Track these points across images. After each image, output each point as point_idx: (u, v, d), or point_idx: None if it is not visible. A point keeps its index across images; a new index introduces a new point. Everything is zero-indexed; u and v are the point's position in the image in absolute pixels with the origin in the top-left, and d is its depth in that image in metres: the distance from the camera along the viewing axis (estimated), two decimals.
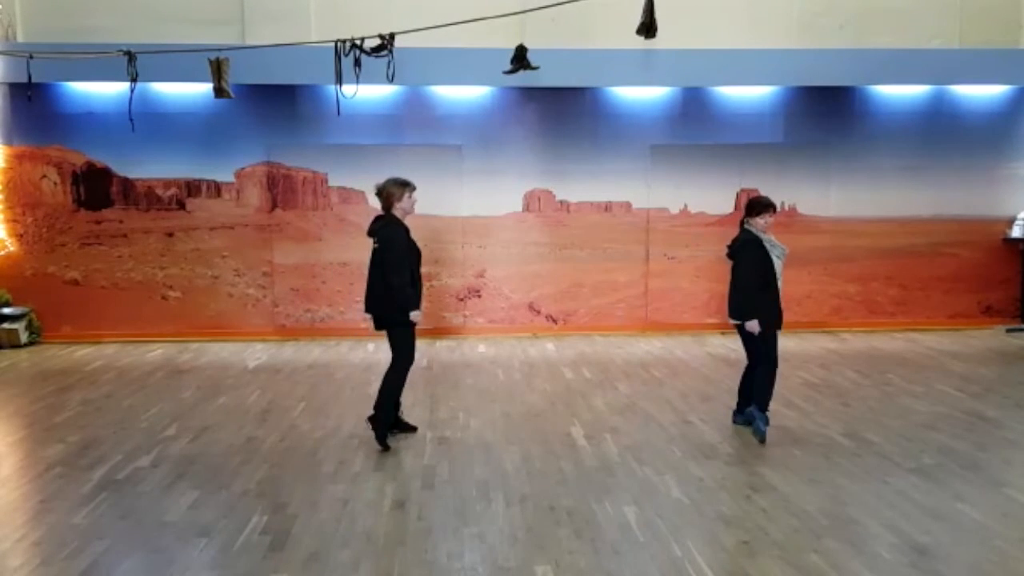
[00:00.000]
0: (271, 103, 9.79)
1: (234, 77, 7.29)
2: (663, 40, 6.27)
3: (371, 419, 5.88)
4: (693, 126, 10.17)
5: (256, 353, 9.26)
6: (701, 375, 8.09)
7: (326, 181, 9.93)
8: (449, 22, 6.91)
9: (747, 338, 5.98)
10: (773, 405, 6.82)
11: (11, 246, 9.84)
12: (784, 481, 5.13)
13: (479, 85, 9.86)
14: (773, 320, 5.88)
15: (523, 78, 7.49)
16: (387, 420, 5.89)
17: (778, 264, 5.84)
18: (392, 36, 6.67)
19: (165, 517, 4.65)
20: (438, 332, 10.14)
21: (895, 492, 4.94)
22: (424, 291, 6.04)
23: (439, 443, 5.95)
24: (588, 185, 10.18)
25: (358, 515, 4.63)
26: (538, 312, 10.32)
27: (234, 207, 9.97)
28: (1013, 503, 4.81)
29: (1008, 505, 4.78)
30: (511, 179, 10.11)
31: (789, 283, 10.14)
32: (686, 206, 10.29)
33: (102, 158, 9.81)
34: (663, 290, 10.36)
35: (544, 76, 7.76)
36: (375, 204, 6.01)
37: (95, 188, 9.84)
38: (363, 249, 6.17)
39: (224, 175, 9.92)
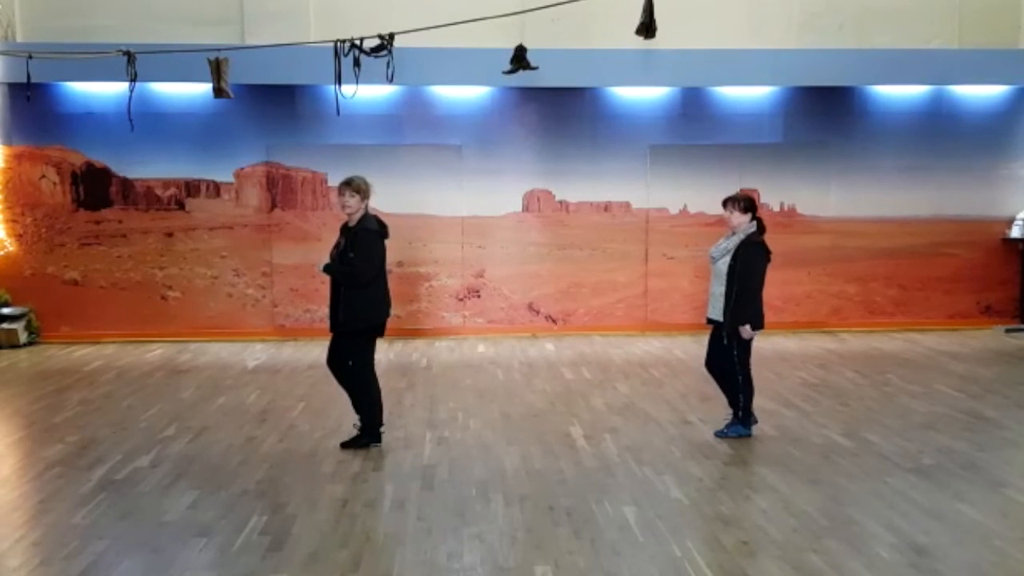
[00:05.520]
0: (270, 103, 9.78)
1: (233, 77, 7.28)
2: (663, 40, 6.27)
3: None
4: (692, 126, 10.17)
5: (255, 353, 9.25)
6: (700, 375, 8.04)
7: (325, 181, 9.92)
8: (449, 22, 6.91)
9: (732, 343, 5.89)
10: (772, 405, 6.86)
11: (10, 246, 9.83)
12: (783, 481, 5.13)
13: (479, 85, 9.86)
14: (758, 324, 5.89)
15: (523, 78, 7.48)
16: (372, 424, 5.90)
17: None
18: (391, 36, 6.66)
19: (164, 517, 4.64)
20: (437, 332, 10.14)
21: (895, 492, 4.94)
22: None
23: (439, 443, 5.95)
24: (587, 185, 10.18)
25: (358, 515, 4.63)
26: (537, 312, 10.32)
27: (233, 207, 9.96)
28: (1013, 503, 4.81)
29: (1008, 505, 4.78)
30: (510, 179, 10.11)
31: (788, 283, 10.27)
32: (685, 206, 10.29)
33: (101, 158, 9.80)
34: (662, 290, 10.36)
35: (544, 76, 7.75)
36: (373, 204, 5.97)
37: (94, 188, 9.83)
38: None
39: (223, 175, 9.91)
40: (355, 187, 5.64)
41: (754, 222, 5.84)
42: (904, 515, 4.60)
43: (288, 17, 9.64)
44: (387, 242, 5.83)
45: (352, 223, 5.71)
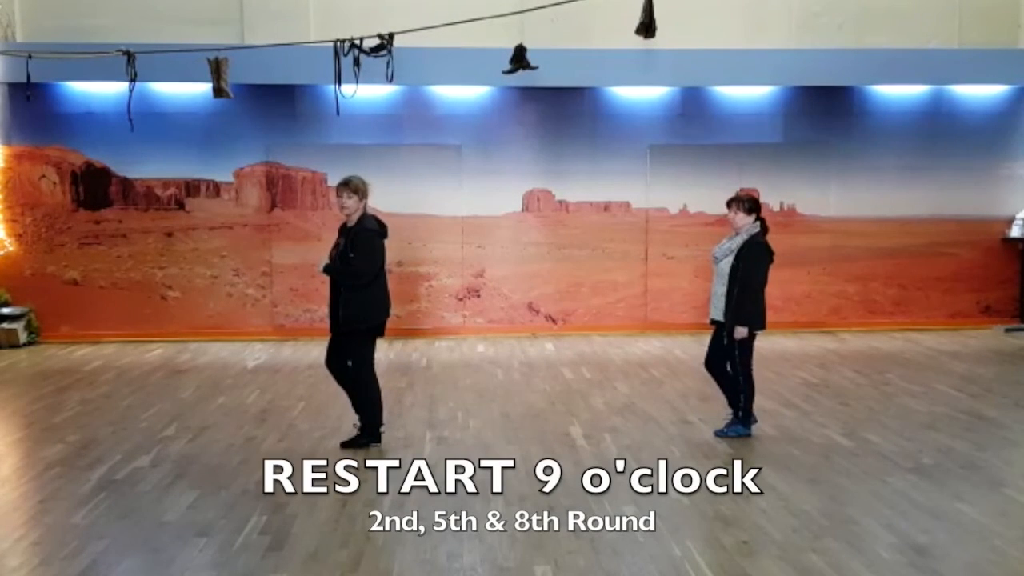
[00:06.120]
0: (270, 103, 9.78)
1: (233, 77, 7.28)
2: (662, 40, 6.27)
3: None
4: (692, 126, 10.17)
5: (255, 353, 9.25)
6: (700, 375, 8.03)
7: (325, 181, 9.92)
8: (448, 22, 6.91)
9: (733, 342, 5.87)
10: (772, 405, 6.86)
11: (10, 246, 9.82)
12: (784, 481, 5.13)
13: (478, 85, 9.86)
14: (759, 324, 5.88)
15: (522, 78, 7.49)
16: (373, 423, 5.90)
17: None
18: (391, 36, 6.67)
19: (164, 517, 4.64)
20: (437, 332, 10.14)
21: (894, 492, 4.94)
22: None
23: (439, 443, 5.95)
24: (587, 185, 10.18)
25: (358, 515, 4.63)
26: (537, 312, 10.31)
27: (233, 207, 9.96)
28: (1012, 503, 4.81)
29: (1007, 505, 4.78)
30: (510, 179, 10.11)
31: (788, 283, 10.26)
32: (685, 206, 10.29)
33: (101, 158, 9.80)
34: (662, 290, 10.36)
35: (543, 76, 7.75)
36: (372, 204, 5.97)
37: (94, 188, 9.83)
38: None
39: (223, 175, 9.91)
40: (353, 187, 5.62)
41: (758, 222, 5.84)
42: (904, 515, 4.60)
43: (288, 17, 9.63)
44: (387, 242, 5.83)
45: (351, 223, 5.70)
